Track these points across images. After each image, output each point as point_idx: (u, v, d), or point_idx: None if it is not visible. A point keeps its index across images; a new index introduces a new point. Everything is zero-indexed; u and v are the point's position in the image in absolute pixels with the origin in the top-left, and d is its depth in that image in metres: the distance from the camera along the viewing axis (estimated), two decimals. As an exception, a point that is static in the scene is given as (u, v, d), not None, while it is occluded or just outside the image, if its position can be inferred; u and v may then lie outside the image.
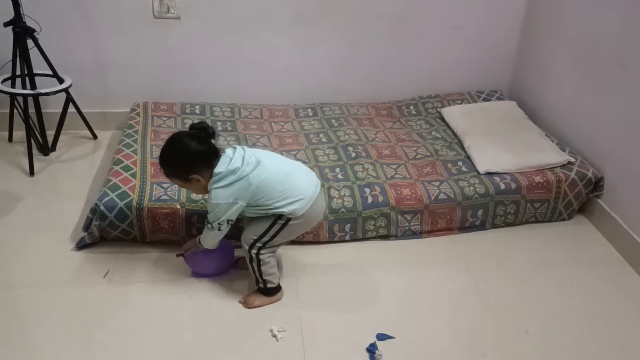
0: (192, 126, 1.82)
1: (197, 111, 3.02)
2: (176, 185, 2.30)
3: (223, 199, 1.84)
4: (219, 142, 2.76)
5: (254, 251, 1.92)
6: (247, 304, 2.02)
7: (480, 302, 2.10)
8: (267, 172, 1.86)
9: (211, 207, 1.87)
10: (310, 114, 3.14)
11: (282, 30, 3.13)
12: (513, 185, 2.49)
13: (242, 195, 1.85)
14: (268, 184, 1.86)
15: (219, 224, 1.88)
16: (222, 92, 3.21)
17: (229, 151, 1.89)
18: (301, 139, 2.85)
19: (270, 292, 2.02)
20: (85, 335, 1.86)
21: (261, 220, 1.92)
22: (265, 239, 1.92)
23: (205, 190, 1.89)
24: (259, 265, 1.95)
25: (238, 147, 1.90)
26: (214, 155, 1.85)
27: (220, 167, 1.83)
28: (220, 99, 3.18)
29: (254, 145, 2.72)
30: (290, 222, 1.91)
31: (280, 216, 1.89)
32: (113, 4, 2.92)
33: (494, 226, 2.54)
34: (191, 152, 1.81)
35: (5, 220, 2.41)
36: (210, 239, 1.97)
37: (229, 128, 2.91)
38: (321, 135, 2.89)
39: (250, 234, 1.93)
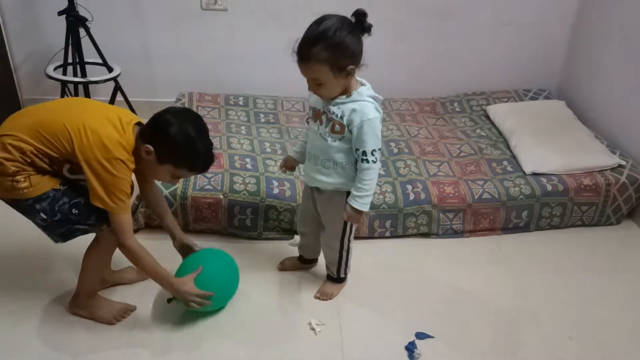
0: (359, 12, 1.62)
1: (241, 102, 3.04)
2: (219, 175, 2.33)
3: (378, 115, 1.68)
4: (262, 134, 2.78)
5: (346, 240, 1.92)
6: (328, 296, 2.03)
7: (523, 305, 2.06)
8: None
9: (374, 125, 1.65)
10: (352, 108, 3.12)
11: (327, 24, 3.11)
12: (560, 187, 2.43)
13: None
14: None
15: (380, 150, 1.70)
16: (265, 84, 3.22)
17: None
18: (343, 133, 2.84)
19: (346, 278, 2.05)
20: (129, 321, 1.90)
21: (337, 212, 1.83)
22: (349, 225, 1.89)
23: (338, 93, 1.69)
24: (348, 254, 1.96)
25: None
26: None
27: (373, 92, 1.71)
28: (263, 91, 3.20)
29: (295, 139, 2.73)
30: None
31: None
32: (162, -5, 2.98)
33: (539, 228, 2.48)
34: (358, 40, 1.62)
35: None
36: (375, 180, 1.72)
37: (272, 120, 2.93)
38: (363, 130, 2.87)
39: (337, 229, 1.89)
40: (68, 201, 1.69)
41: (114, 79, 2.88)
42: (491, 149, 2.72)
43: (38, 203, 1.65)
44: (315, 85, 1.66)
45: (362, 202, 1.73)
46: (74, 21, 2.69)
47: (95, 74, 2.85)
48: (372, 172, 1.71)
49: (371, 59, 3.14)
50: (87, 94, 2.87)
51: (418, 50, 3.21)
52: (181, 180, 2.23)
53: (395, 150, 2.64)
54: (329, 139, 1.74)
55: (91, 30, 2.76)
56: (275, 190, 2.29)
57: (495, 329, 1.95)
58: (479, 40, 3.21)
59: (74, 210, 1.70)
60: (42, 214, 1.67)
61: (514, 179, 2.47)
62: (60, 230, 1.72)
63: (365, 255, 2.26)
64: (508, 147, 2.74)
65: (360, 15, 1.62)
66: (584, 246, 2.41)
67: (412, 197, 2.35)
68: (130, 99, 3.05)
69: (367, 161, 1.69)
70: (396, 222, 2.35)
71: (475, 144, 2.76)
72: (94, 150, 1.57)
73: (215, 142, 2.61)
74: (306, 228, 2.06)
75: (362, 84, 1.74)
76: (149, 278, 1.86)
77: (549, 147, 2.60)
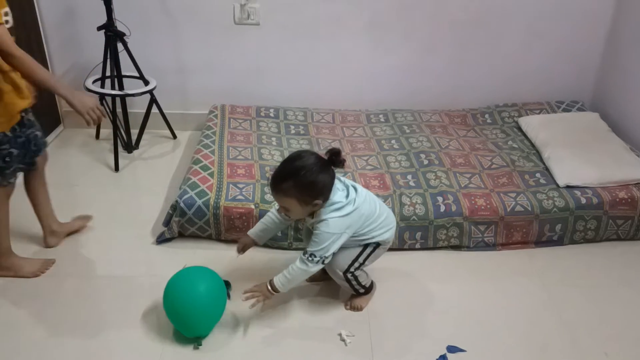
0: (332, 152, 1.75)
1: (272, 114, 3.09)
2: (251, 186, 2.37)
3: (339, 229, 1.79)
4: (292, 145, 2.81)
5: (349, 275, 1.95)
6: (357, 309, 2.04)
7: (557, 320, 2.02)
8: (367, 201, 1.87)
9: (323, 238, 1.78)
10: (382, 119, 3.13)
11: (356, 36, 3.15)
12: (595, 201, 2.39)
13: (354, 226, 1.83)
14: (370, 214, 1.87)
15: (326, 257, 1.81)
16: (296, 96, 3.27)
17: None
18: (373, 144, 2.86)
19: (368, 289, 2.06)
20: (161, 326, 1.93)
21: (350, 247, 1.91)
22: (358, 263, 1.93)
23: (298, 217, 1.85)
24: (357, 282, 1.98)
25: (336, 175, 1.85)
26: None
27: (338, 196, 1.80)
28: (294, 102, 3.24)
29: (325, 150, 2.74)
30: (380, 247, 1.95)
31: (368, 244, 1.92)
32: (197, 10, 3.04)
33: (573, 242, 2.44)
34: (328, 179, 1.75)
35: (92, 212, 2.55)
36: (303, 277, 1.86)
37: (302, 132, 2.96)
38: (393, 141, 2.88)
39: (344, 261, 1.92)
40: (7, 148, 1.89)
41: (150, 91, 2.95)
42: (524, 161, 2.70)
43: None
44: (283, 208, 1.82)
45: (282, 283, 1.83)
46: (113, 36, 2.78)
47: (131, 86, 2.94)
48: (306, 269, 1.82)
49: (400, 70, 3.20)
50: (124, 107, 2.95)
51: (448, 61, 3.22)
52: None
53: (426, 162, 2.64)
54: None
55: (128, 45, 2.85)
56: (306, 201, 2.31)
57: (528, 344, 1.92)
58: (510, 51, 3.20)
59: (7, 159, 1.89)
60: None
61: (547, 192, 2.44)
62: None
63: (395, 267, 2.26)
64: (541, 159, 2.71)
65: (333, 154, 1.75)
66: (620, 261, 2.36)
67: (442, 208, 2.34)
68: (165, 111, 3.13)
69: (303, 259, 1.81)
70: (427, 233, 2.34)
71: (507, 156, 2.74)
72: None
73: (247, 153, 2.65)
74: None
75: (331, 194, 1.79)
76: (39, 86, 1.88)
77: (583, 159, 2.57)
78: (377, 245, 1.94)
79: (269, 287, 1.84)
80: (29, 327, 1.91)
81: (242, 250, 2.04)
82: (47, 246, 2.28)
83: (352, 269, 1.93)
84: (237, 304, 2.03)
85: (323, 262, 1.83)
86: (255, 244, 2.04)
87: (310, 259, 1.81)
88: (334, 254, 1.85)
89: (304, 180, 1.72)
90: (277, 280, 1.83)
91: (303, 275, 1.85)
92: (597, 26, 3.15)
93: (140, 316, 1.97)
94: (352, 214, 1.80)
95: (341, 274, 1.93)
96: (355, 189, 1.86)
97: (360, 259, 1.93)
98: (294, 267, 1.83)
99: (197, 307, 1.82)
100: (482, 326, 1.99)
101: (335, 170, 1.80)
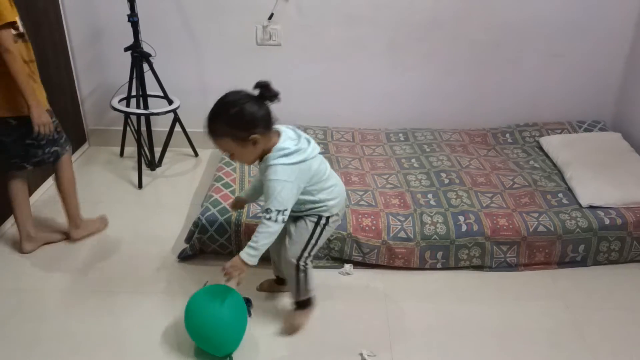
0: (259, 84, 1.69)
1: (292, 133, 3.12)
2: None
3: (288, 176, 1.69)
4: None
5: (302, 262, 1.90)
6: (296, 329, 1.99)
7: (581, 342, 1.99)
8: (317, 159, 1.80)
9: (273, 187, 1.68)
10: (402, 138, 3.15)
11: (376, 56, 3.18)
12: (618, 221, 2.36)
13: (303, 177, 1.74)
14: (318, 172, 1.79)
15: (283, 212, 1.69)
16: (315, 115, 3.30)
17: (286, 129, 1.79)
18: (392, 163, 2.87)
19: (310, 302, 2.01)
20: (181, 344, 1.94)
21: (301, 228, 1.87)
22: (310, 246, 1.88)
23: (254, 158, 1.75)
24: (306, 276, 1.93)
25: (291, 126, 1.81)
26: (272, 119, 1.72)
27: (286, 143, 1.72)
28: (313, 121, 3.27)
29: (345, 168, 2.77)
30: (330, 222, 1.88)
31: (320, 218, 1.85)
32: (221, 32, 3.11)
33: (596, 263, 2.41)
34: (257, 109, 1.67)
35: (115, 229, 2.60)
36: (268, 239, 1.72)
37: (321, 150, 2.96)
38: (413, 160, 2.89)
39: (296, 247, 1.88)
40: (55, 121, 2.13)
41: (174, 110, 3.01)
42: (545, 180, 2.68)
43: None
44: (229, 155, 1.75)
45: (248, 254, 1.71)
46: (139, 57, 2.84)
47: (156, 106, 2.99)
48: (266, 229, 1.70)
49: (420, 89, 3.21)
50: (149, 125, 3.01)
51: (467, 80, 3.23)
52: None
53: (446, 181, 2.64)
54: None
55: (154, 65, 2.91)
56: (327, 220, 2.32)
57: (552, 366, 1.90)
58: (530, 71, 3.20)
59: (58, 129, 2.16)
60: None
61: (570, 212, 2.42)
62: (37, 157, 2.15)
63: (416, 287, 2.26)
64: (563, 179, 2.69)
65: (261, 87, 1.69)
66: (645, 283, 2.33)
67: (464, 228, 2.34)
68: (187, 129, 3.18)
69: (264, 217, 1.71)
70: (448, 253, 2.33)
71: (529, 176, 2.72)
72: None
73: (268, 171, 2.68)
74: (278, 243, 2.01)
75: (281, 140, 1.74)
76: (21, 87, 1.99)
77: (606, 179, 2.54)
78: (327, 222, 1.87)
79: (242, 261, 1.72)
80: (54, 341, 1.94)
81: (233, 207, 2.10)
82: (22, 252, 2.30)
83: (305, 254, 1.88)
84: (259, 322, 2.05)
85: (282, 219, 1.70)
86: (247, 202, 2.09)
87: (267, 215, 1.69)
88: (289, 233, 1.84)
89: (231, 112, 1.66)
90: (245, 254, 1.71)
91: (268, 238, 1.72)
92: (617, 45, 3.14)
93: (163, 334, 1.98)
94: (301, 164, 1.73)
95: (294, 262, 1.88)
96: (308, 142, 1.79)
97: (313, 240, 1.87)
98: (256, 234, 1.71)
99: (222, 327, 1.82)
100: (504, 347, 1.97)
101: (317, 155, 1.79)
